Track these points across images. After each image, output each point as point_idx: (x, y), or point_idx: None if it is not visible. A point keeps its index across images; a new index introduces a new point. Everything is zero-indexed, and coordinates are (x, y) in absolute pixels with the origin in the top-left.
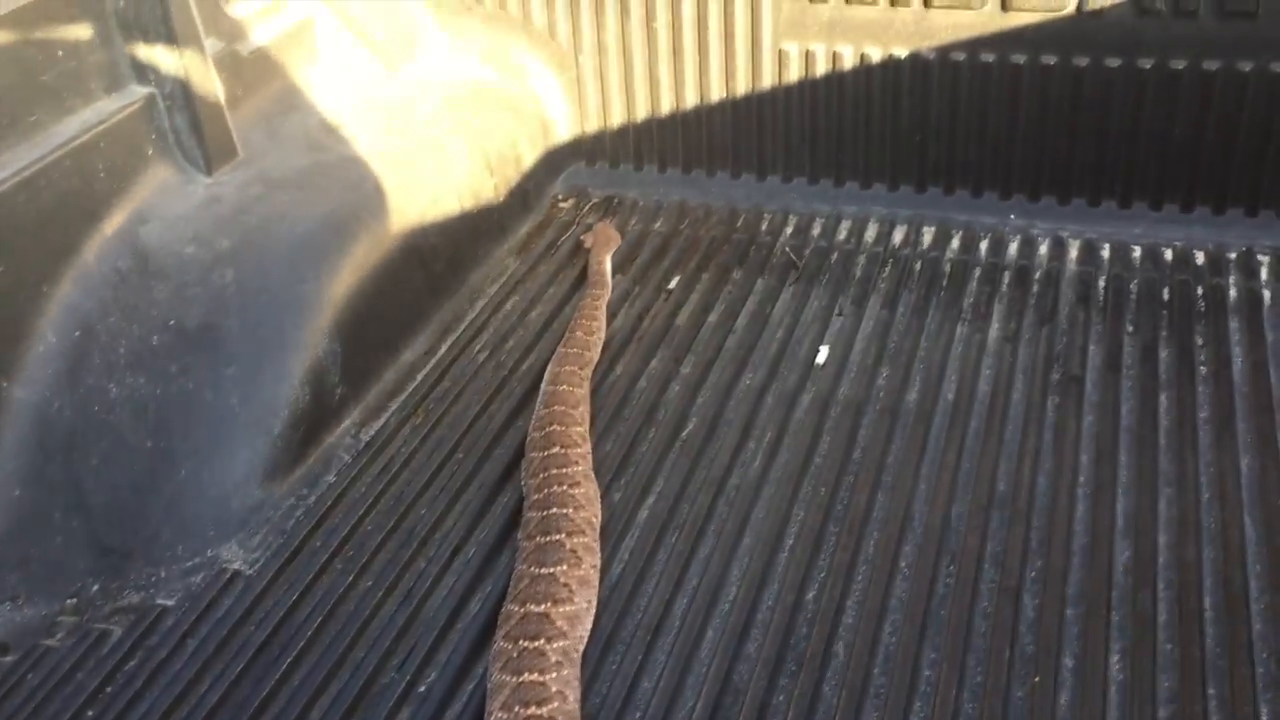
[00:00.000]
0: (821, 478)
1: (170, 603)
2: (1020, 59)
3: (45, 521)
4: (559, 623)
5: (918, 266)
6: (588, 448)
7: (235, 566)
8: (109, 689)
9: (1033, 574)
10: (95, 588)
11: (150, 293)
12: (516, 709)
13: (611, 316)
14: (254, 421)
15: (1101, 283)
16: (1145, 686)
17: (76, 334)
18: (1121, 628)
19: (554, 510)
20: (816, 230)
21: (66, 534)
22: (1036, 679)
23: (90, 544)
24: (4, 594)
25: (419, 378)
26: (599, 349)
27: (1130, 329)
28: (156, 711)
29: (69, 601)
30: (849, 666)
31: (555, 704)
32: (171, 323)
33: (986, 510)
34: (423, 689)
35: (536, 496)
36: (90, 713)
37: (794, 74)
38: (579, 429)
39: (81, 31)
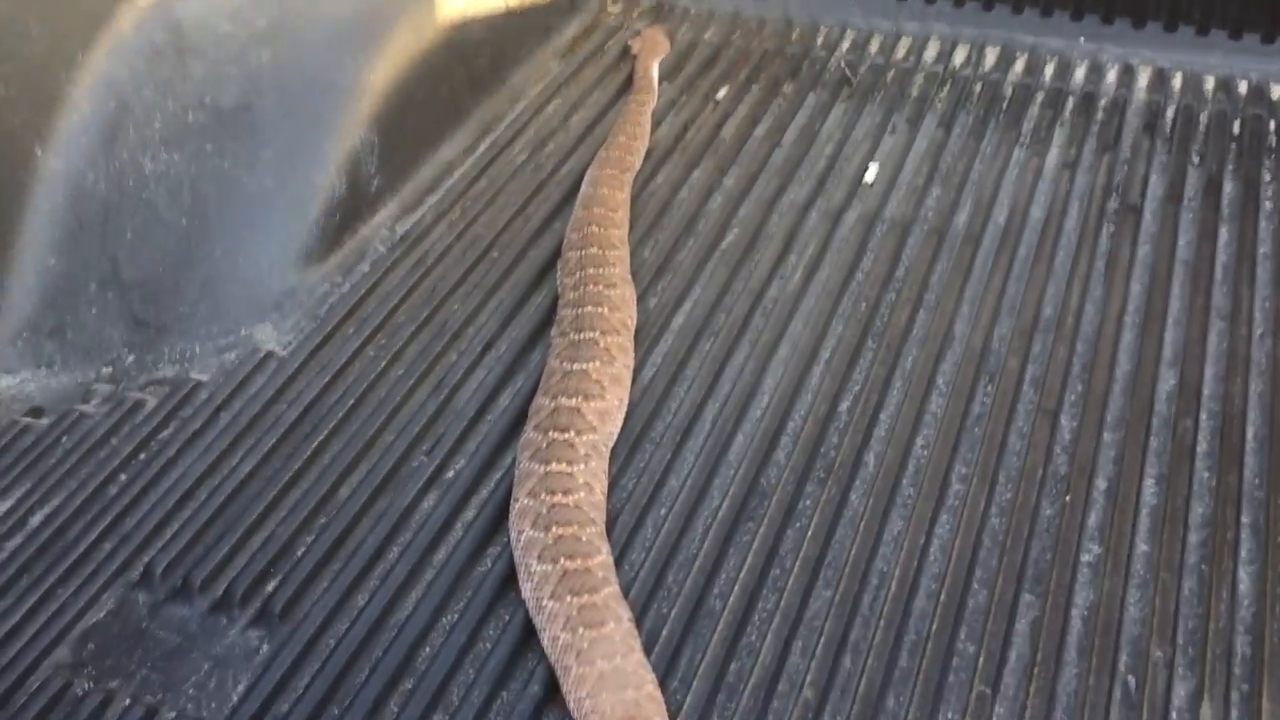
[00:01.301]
0: (862, 294)
1: (204, 378)
2: None
3: (80, 292)
4: (589, 417)
5: (978, 88)
6: (625, 251)
7: (269, 347)
8: (142, 455)
9: (1072, 398)
10: (130, 359)
11: (185, 68)
12: (543, 496)
13: (656, 124)
14: (289, 205)
15: (1170, 112)
16: (1178, 511)
17: (112, 105)
18: (1159, 454)
19: (589, 308)
20: (874, 47)
21: (101, 305)
22: (1067, 498)
23: (124, 316)
24: (40, 360)
25: (456, 175)
26: (641, 156)
27: (1195, 160)
28: (189, 479)
29: (104, 370)
30: (878, 476)
31: (581, 494)
32: (207, 100)
33: (1030, 334)
34: (450, 474)
35: (572, 295)
36: (123, 476)
37: None
38: (618, 232)
39: None
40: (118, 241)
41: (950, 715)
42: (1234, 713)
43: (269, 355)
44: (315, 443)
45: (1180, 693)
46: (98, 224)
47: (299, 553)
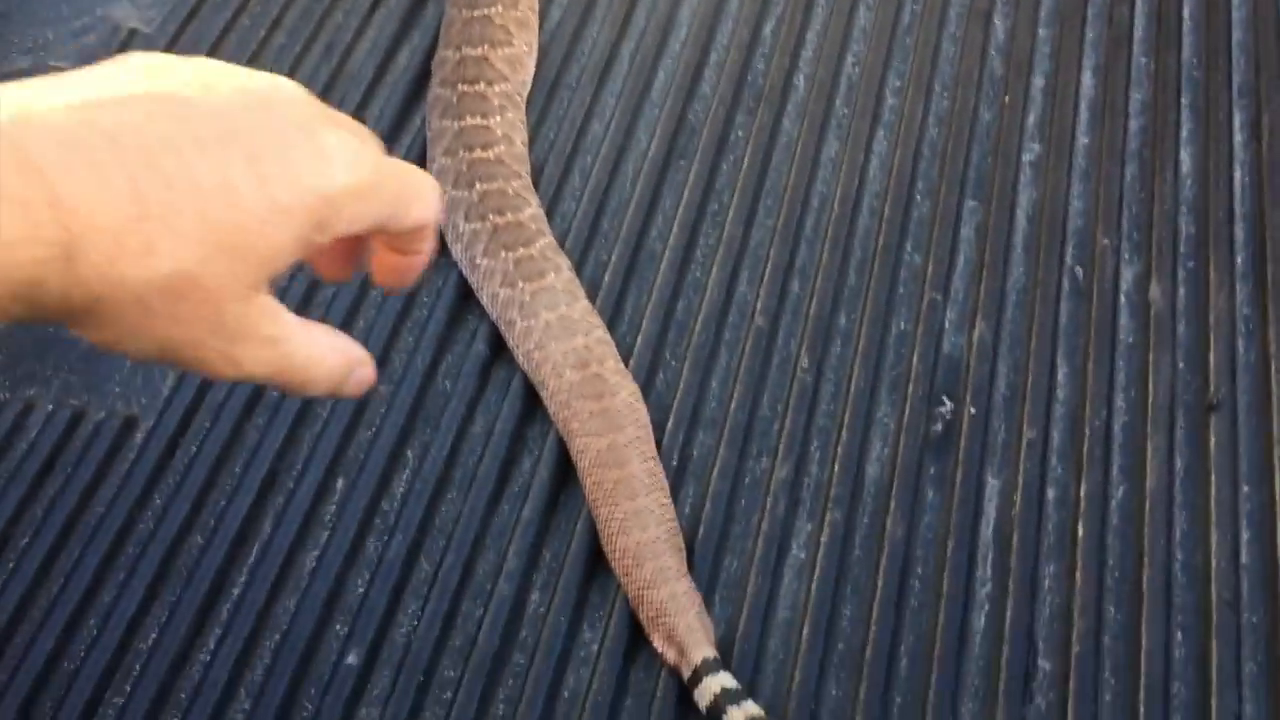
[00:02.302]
0: None
1: (65, 64)
2: None
3: None
4: (499, 66)
5: None
6: None
7: (131, 24)
8: None
9: None
10: None
11: None
12: (460, 153)
13: None
14: None
15: None
16: (1117, 100)
17: None
18: (1095, 44)
19: None
20: None
21: None
22: (1005, 99)
23: None
24: None
25: None
26: None
27: None
28: None
29: None
30: (810, 99)
31: (501, 148)
32: None
33: None
34: None
35: None
36: None
37: None
38: None
39: None
40: None
41: (902, 325)
42: (1181, 289)
43: (133, 34)
44: None
45: (1128, 277)
46: None
47: None
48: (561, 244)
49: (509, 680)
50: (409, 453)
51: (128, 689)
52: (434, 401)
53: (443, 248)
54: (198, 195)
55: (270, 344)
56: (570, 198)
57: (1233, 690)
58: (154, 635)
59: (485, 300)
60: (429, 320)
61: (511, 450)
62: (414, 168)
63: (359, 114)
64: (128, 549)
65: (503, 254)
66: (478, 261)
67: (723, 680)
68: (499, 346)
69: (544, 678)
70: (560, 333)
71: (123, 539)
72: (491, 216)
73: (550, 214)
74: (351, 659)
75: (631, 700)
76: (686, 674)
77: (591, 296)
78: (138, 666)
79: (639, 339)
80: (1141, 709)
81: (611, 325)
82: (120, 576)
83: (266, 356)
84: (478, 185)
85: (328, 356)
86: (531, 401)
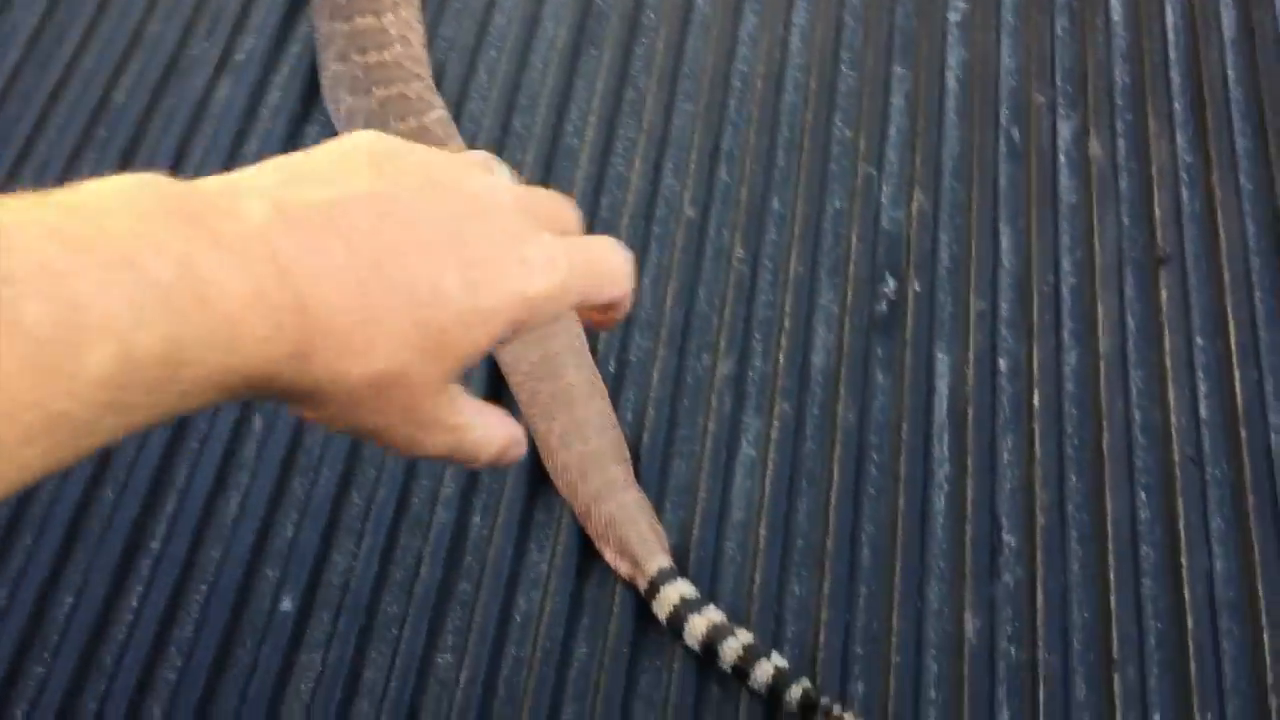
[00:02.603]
0: None
1: None
2: None
3: None
4: None
5: None
6: None
7: None
8: None
9: None
10: None
11: None
12: (354, 57)
13: None
14: None
15: None
16: None
17: None
18: None
19: None
20: None
21: None
22: None
23: None
24: None
25: None
26: None
27: None
28: None
29: None
30: None
31: (398, 48)
32: None
33: None
34: (240, 56)
35: None
36: None
37: None
38: None
39: None
40: None
41: (838, 204)
42: (1120, 142)
43: None
44: (68, 48)
45: (1065, 134)
46: None
47: (84, 171)
48: (472, 147)
49: (457, 611)
50: None
51: (47, 657)
52: None
53: None
54: (414, 300)
55: (451, 430)
56: (477, 97)
57: (1202, 548)
58: (70, 600)
59: None
60: None
61: None
62: (607, 248)
63: (241, 25)
64: (33, 511)
65: None
66: None
67: (681, 589)
68: None
69: (493, 604)
70: None
71: (27, 502)
72: (394, 124)
73: (457, 116)
74: (286, 604)
75: (588, 619)
76: (643, 586)
77: None
78: (56, 635)
79: None
80: (1111, 575)
81: None
82: (27, 540)
83: (445, 440)
84: (375, 91)
85: (495, 438)
86: None
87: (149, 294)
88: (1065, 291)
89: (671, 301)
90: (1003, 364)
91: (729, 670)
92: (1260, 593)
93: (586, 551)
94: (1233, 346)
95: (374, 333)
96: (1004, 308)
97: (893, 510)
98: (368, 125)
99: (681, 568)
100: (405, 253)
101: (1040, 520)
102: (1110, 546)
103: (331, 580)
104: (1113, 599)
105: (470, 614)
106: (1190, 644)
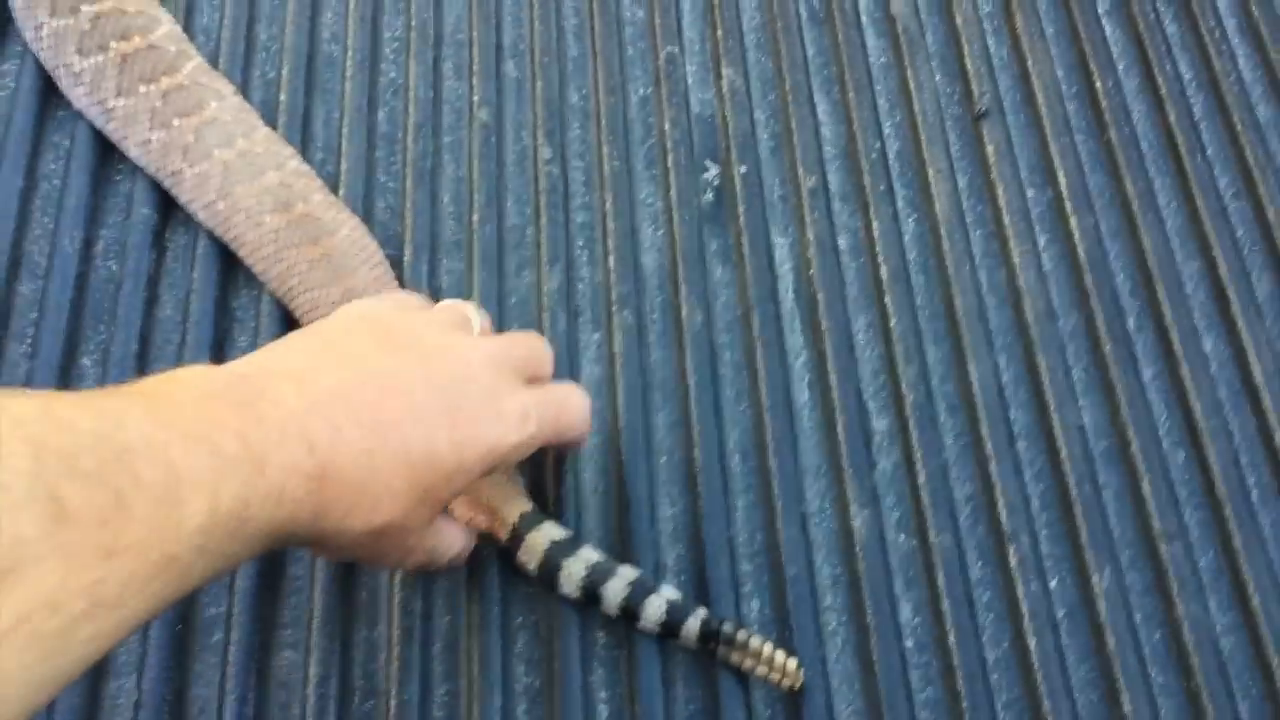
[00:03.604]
0: None
1: None
2: None
3: None
4: None
5: None
6: None
7: None
8: None
9: None
10: None
11: None
12: None
13: None
14: None
15: None
16: None
17: None
18: None
19: None
20: None
21: None
22: None
23: None
24: None
25: None
26: None
27: None
28: None
29: None
30: None
31: None
32: None
33: None
34: None
35: None
36: None
37: None
38: None
39: None
40: None
41: (642, 90)
42: None
43: None
44: None
45: None
46: None
47: None
48: (213, 65)
49: (289, 599)
50: (85, 362)
51: None
52: (100, 292)
53: (60, 93)
54: (409, 463)
55: (428, 552)
56: (209, 7)
57: (1070, 403)
58: None
59: (133, 151)
60: (64, 191)
61: (219, 330)
62: (572, 395)
63: None
64: None
65: (142, 89)
66: (111, 105)
67: (549, 532)
68: (168, 206)
69: (332, 585)
70: (244, 172)
71: None
72: (114, 44)
73: (189, 30)
74: None
75: (446, 583)
76: (504, 536)
77: (270, 123)
78: None
79: (343, 163)
80: (987, 443)
81: (305, 154)
82: None
83: (422, 560)
84: (84, 8)
85: (455, 545)
86: (229, 264)
87: (223, 461)
88: (892, 157)
89: (479, 216)
90: (843, 241)
91: (616, 614)
92: (1132, 438)
93: None
94: (1064, 193)
95: (377, 492)
96: (834, 181)
97: (756, 411)
98: (82, 50)
99: (541, 509)
100: (403, 423)
101: (908, 397)
102: (980, 415)
103: None
104: (992, 468)
105: (308, 600)
106: (1075, 503)
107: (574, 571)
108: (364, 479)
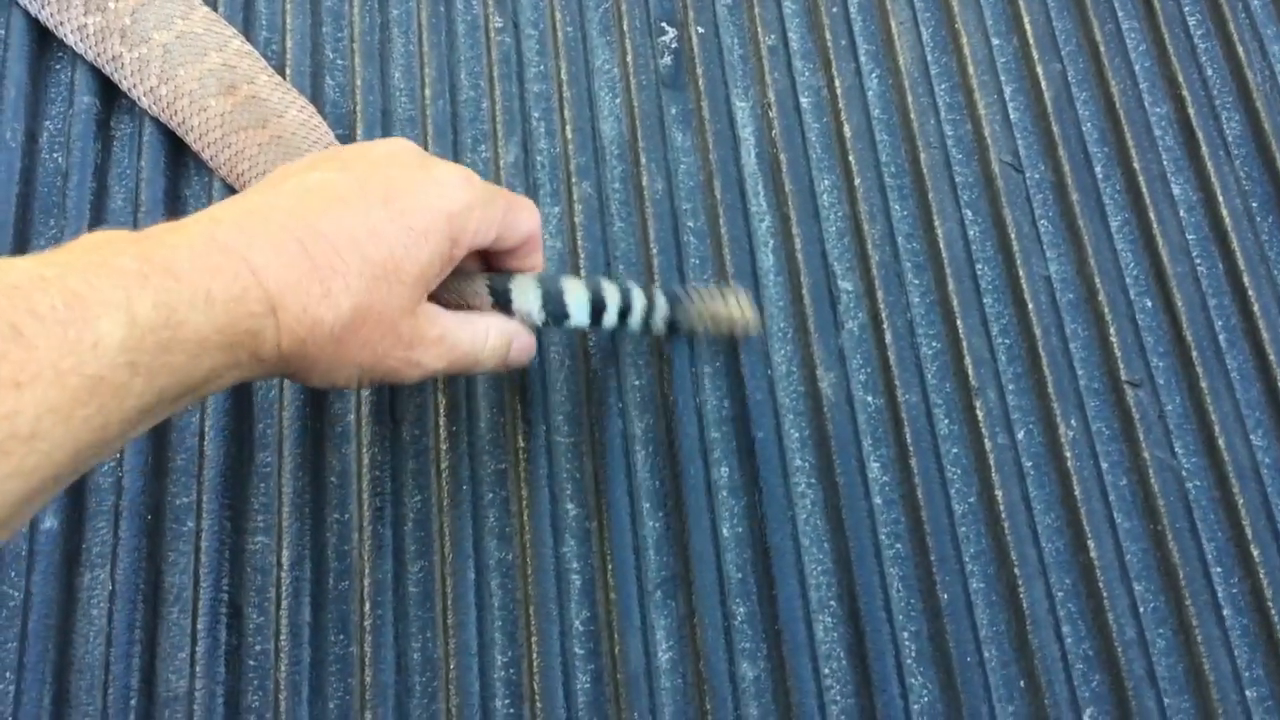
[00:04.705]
0: None
1: None
2: None
3: None
4: None
5: None
6: None
7: None
8: None
9: None
10: None
11: None
12: None
13: None
14: None
15: None
16: None
17: None
18: None
19: None
20: None
21: None
22: None
23: None
24: None
25: None
26: None
27: None
28: None
29: None
30: None
31: None
32: None
33: None
34: None
35: None
36: None
37: None
38: None
39: None
40: None
41: None
42: None
43: None
44: None
45: None
46: None
47: None
48: None
49: (259, 486)
50: None
51: None
52: (47, 185)
53: None
54: (352, 242)
55: (439, 342)
56: None
57: (1036, 254)
58: None
59: (70, 37)
60: (3, 82)
61: (171, 219)
62: (522, 198)
63: None
64: None
65: None
66: None
67: (524, 277)
68: (110, 92)
69: (301, 470)
70: (185, 54)
71: None
72: None
73: None
74: (49, 523)
75: (413, 463)
76: (486, 306)
77: (210, 3)
78: None
79: (288, 41)
80: (954, 299)
81: (248, 34)
82: None
83: (438, 352)
84: None
85: (488, 337)
86: (177, 150)
87: (129, 278)
88: (854, 11)
89: (431, 91)
90: (805, 101)
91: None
92: (1100, 287)
93: (398, 390)
94: (1030, 41)
95: (326, 277)
96: (794, 39)
97: (720, 275)
98: None
99: (502, 382)
100: (329, 208)
101: (873, 257)
102: (947, 271)
103: (98, 484)
104: (959, 324)
105: (276, 486)
106: (1042, 354)
107: (577, 294)
108: (303, 265)
